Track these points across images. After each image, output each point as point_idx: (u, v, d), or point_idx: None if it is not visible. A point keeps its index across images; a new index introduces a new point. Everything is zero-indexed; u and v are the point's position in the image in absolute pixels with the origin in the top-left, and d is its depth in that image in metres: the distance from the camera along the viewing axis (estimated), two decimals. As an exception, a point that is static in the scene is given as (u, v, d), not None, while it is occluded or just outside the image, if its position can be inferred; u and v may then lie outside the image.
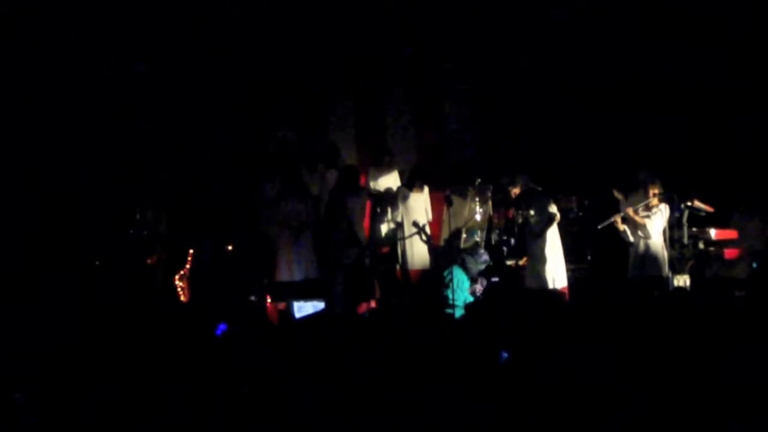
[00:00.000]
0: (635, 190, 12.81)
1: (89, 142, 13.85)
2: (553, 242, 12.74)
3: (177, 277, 13.10)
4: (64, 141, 13.39)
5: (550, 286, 12.46)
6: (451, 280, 11.98)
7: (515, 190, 13.26)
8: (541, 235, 12.65)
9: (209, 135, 14.94)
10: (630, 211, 12.48)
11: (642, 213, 12.41)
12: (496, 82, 15.30)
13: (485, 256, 12.22)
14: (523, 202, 13.11)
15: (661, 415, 5.10)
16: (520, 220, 13.13)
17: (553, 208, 12.76)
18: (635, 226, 12.48)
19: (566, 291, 12.46)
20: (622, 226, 12.55)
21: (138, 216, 13.61)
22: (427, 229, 13.75)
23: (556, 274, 12.68)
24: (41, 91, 13.31)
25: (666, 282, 12.35)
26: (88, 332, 8.39)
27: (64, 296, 11.73)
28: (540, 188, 13.04)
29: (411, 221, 13.69)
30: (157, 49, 14.14)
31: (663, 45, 14.41)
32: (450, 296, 11.77)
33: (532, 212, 12.75)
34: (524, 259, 13.37)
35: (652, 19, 14.47)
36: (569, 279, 12.87)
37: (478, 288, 11.96)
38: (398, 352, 6.20)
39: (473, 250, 12.39)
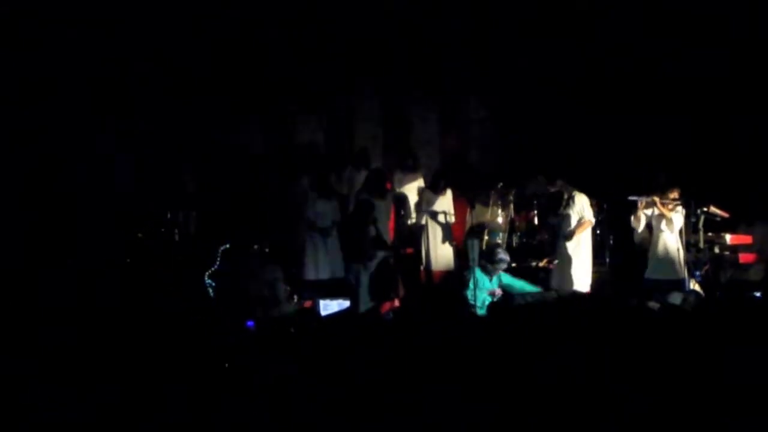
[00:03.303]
0: (654, 193, 12.89)
1: (120, 143, 13.98)
2: (585, 246, 12.86)
3: (207, 275, 13.29)
4: (95, 141, 13.47)
5: (575, 287, 12.59)
6: (470, 280, 12.09)
7: (552, 190, 13.25)
8: (573, 238, 12.80)
9: (238, 136, 15.12)
10: (657, 199, 12.56)
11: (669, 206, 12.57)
12: (517, 87, 15.37)
13: (503, 256, 12.29)
14: (561, 203, 13.12)
15: (670, 415, 5.20)
16: (555, 221, 13.18)
17: (590, 213, 12.87)
18: (653, 219, 12.67)
19: (587, 296, 12.55)
20: (640, 213, 12.70)
21: (169, 216, 13.82)
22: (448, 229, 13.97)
23: (582, 277, 12.77)
24: (64, 89, 13.32)
25: (683, 285, 12.48)
26: (118, 330, 8.57)
27: (92, 294, 11.96)
28: (579, 190, 13.05)
29: (434, 223, 13.91)
30: (186, 48, 14.20)
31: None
32: (469, 297, 11.90)
33: (569, 213, 12.88)
34: (545, 260, 13.54)
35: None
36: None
37: (498, 292, 12.06)
38: (419, 351, 6.31)
39: (491, 250, 12.46)
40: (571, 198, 12.86)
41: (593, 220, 12.93)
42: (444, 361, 6.06)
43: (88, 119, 13.27)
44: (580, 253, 12.83)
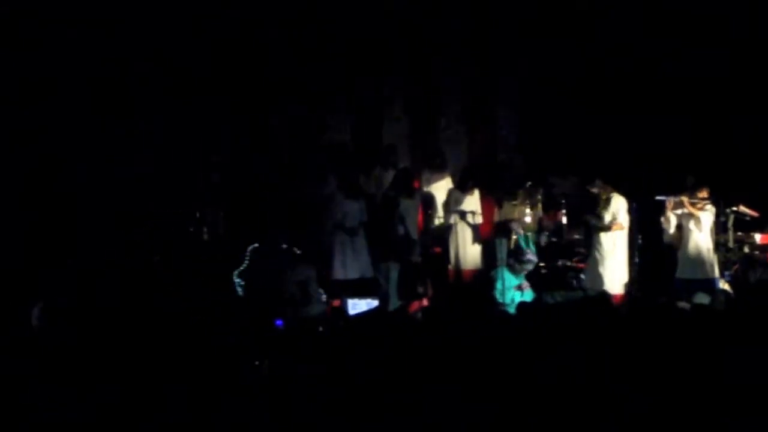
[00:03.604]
0: (682, 193, 12.85)
1: (151, 143, 14.05)
2: (619, 247, 12.86)
3: (236, 274, 13.34)
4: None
5: (606, 288, 12.53)
6: (498, 280, 12.08)
7: (593, 190, 13.17)
8: (606, 238, 12.79)
9: (265, 135, 15.18)
10: (685, 199, 12.57)
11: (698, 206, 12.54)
12: (544, 85, 15.37)
13: (529, 255, 12.29)
14: (594, 203, 13.16)
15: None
16: (592, 222, 13.13)
17: (624, 217, 12.84)
18: (682, 219, 12.63)
19: (619, 298, 12.55)
20: (669, 213, 12.68)
21: (198, 215, 13.91)
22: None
23: (614, 278, 12.77)
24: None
25: (713, 284, 12.46)
26: (146, 327, 8.60)
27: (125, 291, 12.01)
28: (617, 192, 13.03)
29: (463, 223, 13.92)
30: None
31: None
32: (496, 296, 11.91)
33: (604, 214, 12.89)
34: (575, 259, 13.55)
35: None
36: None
37: (525, 285, 12.06)
38: (447, 350, 6.31)
39: (517, 249, 12.46)
40: (608, 200, 12.85)
41: (626, 225, 12.89)
42: (472, 360, 6.05)
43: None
44: (614, 254, 12.83)
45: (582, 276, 13.26)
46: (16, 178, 12.63)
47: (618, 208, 12.82)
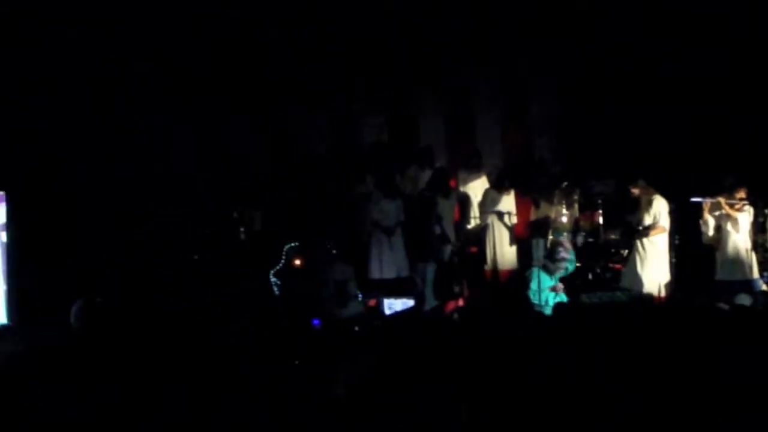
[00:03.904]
0: (721, 194, 12.78)
1: (195, 143, 14.26)
2: (660, 248, 12.80)
3: (272, 273, 13.41)
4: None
5: (646, 289, 12.57)
6: (532, 280, 12.07)
7: (634, 190, 13.10)
8: (647, 240, 12.75)
9: (303, 135, 15.21)
10: (723, 200, 12.49)
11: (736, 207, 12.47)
12: (582, 84, 15.34)
13: (564, 255, 12.25)
14: (639, 204, 13.06)
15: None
16: (633, 223, 13.07)
17: (666, 219, 12.77)
18: (720, 220, 12.55)
19: (659, 300, 12.50)
20: (707, 215, 12.61)
21: (235, 214, 13.99)
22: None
23: (654, 280, 12.71)
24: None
25: (753, 286, 12.39)
26: (184, 325, 8.60)
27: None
28: (658, 193, 12.96)
29: (499, 222, 13.90)
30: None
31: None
32: (531, 296, 11.89)
33: (645, 216, 12.83)
34: (613, 260, 13.51)
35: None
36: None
37: (560, 287, 12.04)
38: (484, 350, 6.31)
39: (553, 249, 12.43)
40: (649, 201, 12.79)
41: (667, 228, 12.82)
42: (507, 360, 6.04)
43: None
44: (655, 256, 12.77)
45: (621, 277, 13.21)
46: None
47: (660, 210, 12.76)
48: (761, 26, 13.91)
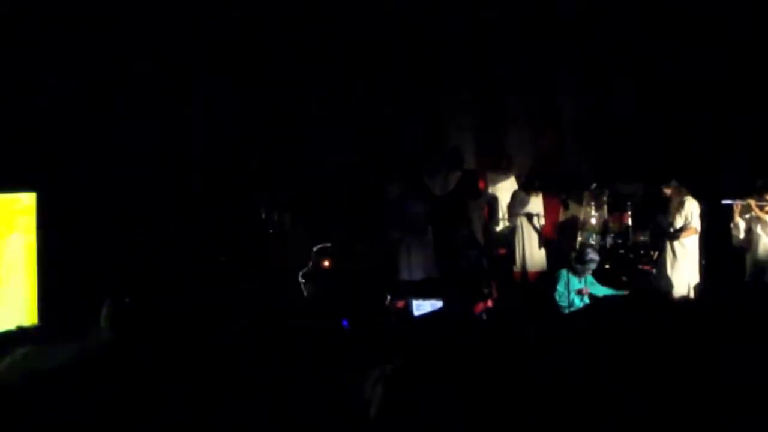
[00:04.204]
0: (751, 195, 12.75)
1: (229, 144, 14.29)
2: (690, 251, 12.79)
3: (301, 274, 13.45)
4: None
5: (675, 291, 12.51)
6: (560, 282, 12.08)
7: (667, 190, 13.12)
8: (678, 241, 12.75)
9: (334, 136, 15.25)
10: (753, 202, 12.46)
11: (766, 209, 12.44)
12: (609, 86, 15.31)
13: (593, 256, 12.24)
14: (670, 205, 13.08)
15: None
16: (664, 225, 13.05)
17: (697, 221, 12.76)
18: (750, 223, 12.51)
19: (688, 302, 12.40)
20: (737, 218, 12.58)
21: (264, 215, 14.08)
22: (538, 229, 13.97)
23: (685, 282, 12.70)
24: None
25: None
26: (210, 327, 8.63)
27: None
28: (690, 195, 12.96)
29: (528, 224, 13.91)
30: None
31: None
32: (558, 299, 11.89)
33: (676, 217, 12.83)
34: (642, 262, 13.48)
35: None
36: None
37: (585, 290, 12.03)
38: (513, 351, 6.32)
39: (582, 250, 12.43)
40: (681, 203, 12.77)
41: (699, 229, 12.80)
42: (533, 361, 6.03)
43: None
44: (686, 258, 12.76)
45: (650, 279, 13.19)
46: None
47: (691, 211, 12.74)
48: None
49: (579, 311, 11.06)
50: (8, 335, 5.24)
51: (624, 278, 13.31)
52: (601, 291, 12.15)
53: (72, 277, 11.84)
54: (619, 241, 13.89)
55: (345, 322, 9.83)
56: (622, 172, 14.39)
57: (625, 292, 12.24)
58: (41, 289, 11.62)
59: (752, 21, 13.88)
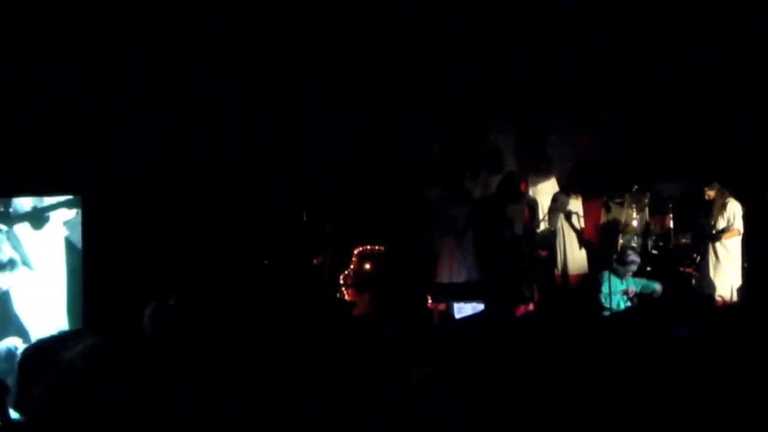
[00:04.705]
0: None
1: (271, 147, 14.30)
2: (732, 252, 12.75)
3: (342, 277, 13.51)
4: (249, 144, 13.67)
5: (717, 293, 12.51)
6: (602, 283, 12.06)
7: (710, 192, 13.08)
8: (720, 243, 12.70)
9: (375, 139, 15.27)
10: None
11: None
12: (649, 87, 15.23)
13: (634, 257, 12.21)
14: (712, 207, 13.03)
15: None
16: (706, 226, 13.01)
17: (740, 222, 12.72)
18: None
19: (730, 305, 12.39)
20: None
21: (304, 218, 14.11)
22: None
23: (727, 284, 12.65)
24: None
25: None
26: (254, 328, 8.66)
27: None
28: (733, 196, 12.92)
29: (569, 226, 13.89)
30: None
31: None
32: (602, 300, 11.87)
33: (719, 219, 12.77)
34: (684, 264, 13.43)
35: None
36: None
37: (631, 290, 12.00)
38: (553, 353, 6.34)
39: (622, 252, 12.41)
40: (724, 204, 12.71)
41: (741, 231, 12.74)
42: (578, 364, 6.07)
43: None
44: (728, 260, 12.70)
45: (693, 281, 13.15)
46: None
47: (734, 213, 12.68)
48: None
49: (624, 312, 11.13)
50: (58, 338, 5.28)
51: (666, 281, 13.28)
52: (640, 283, 12.14)
53: (116, 279, 11.93)
54: (661, 244, 13.83)
55: (389, 330, 9.88)
56: (664, 173, 14.31)
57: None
58: (87, 291, 11.68)
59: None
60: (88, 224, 11.75)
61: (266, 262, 13.58)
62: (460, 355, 6.57)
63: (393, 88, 15.00)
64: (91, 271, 11.78)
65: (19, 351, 11.14)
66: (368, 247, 13.55)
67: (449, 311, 12.40)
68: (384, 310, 12.34)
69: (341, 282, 13.42)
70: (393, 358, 6.82)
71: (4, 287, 11.41)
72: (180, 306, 10.20)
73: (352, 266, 13.52)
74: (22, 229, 11.52)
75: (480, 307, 12.39)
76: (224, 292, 12.09)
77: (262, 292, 12.48)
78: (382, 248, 13.60)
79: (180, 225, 12.95)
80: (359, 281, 13.39)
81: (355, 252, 13.58)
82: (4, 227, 11.42)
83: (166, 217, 12.87)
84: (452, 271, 13.33)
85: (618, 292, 11.94)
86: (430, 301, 13.05)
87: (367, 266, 13.46)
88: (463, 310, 12.27)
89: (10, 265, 11.47)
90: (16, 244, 11.48)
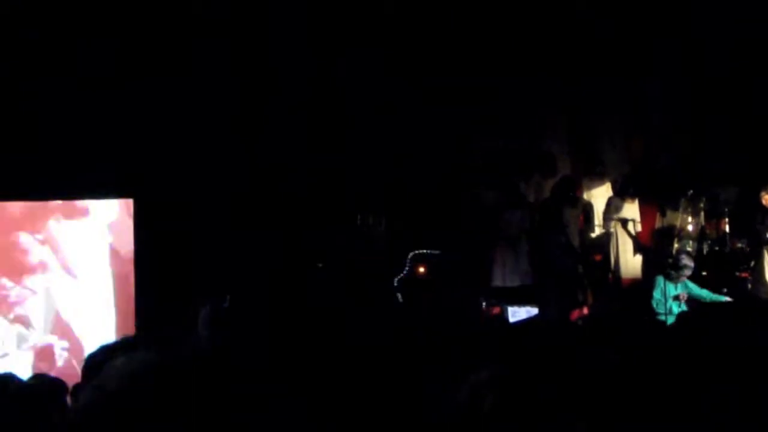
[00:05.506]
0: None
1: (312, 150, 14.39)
2: None
3: (396, 281, 13.56)
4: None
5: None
6: (655, 288, 12.03)
7: (767, 197, 12.98)
8: None
9: (430, 142, 15.27)
10: None
11: None
12: (703, 91, 15.14)
13: (687, 262, 12.17)
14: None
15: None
16: (762, 230, 12.88)
17: None
18: None
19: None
20: None
21: (358, 220, 14.17)
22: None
23: None
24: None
25: None
26: (302, 332, 8.74)
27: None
28: None
29: (623, 230, 13.86)
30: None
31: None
32: (655, 306, 11.84)
33: None
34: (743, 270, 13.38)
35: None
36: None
37: (683, 296, 11.96)
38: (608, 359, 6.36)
39: (676, 257, 12.38)
40: None
41: None
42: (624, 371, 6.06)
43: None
44: None
45: (748, 285, 13.08)
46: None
47: None
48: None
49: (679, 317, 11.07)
50: (112, 346, 5.34)
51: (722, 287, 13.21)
52: (699, 292, 12.09)
53: (168, 282, 12.04)
54: (717, 248, 13.76)
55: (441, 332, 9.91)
56: (720, 177, 14.22)
57: (726, 298, 12.20)
58: (138, 295, 11.88)
59: None
60: (139, 227, 11.91)
61: (320, 265, 13.60)
62: (519, 357, 6.58)
63: (448, 93, 15.01)
64: (143, 274, 11.96)
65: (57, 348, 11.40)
66: (422, 250, 13.57)
67: (503, 315, 12.44)
68: (438, 314, 12.37)
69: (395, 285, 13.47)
70: (447, 360, 6.85)
71: (41, 289, 11.63)
72: (235, 308, 10.25)
73: (405, 270, 13.56)
74: (65, 231, 11.69)
75: (534, 311, 12.42)
76: (278, 294, 12.22)
77: (317, 294, 12.56)
78: (436, 252, 13.63)
79: (233, 228, 12.99)
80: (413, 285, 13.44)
81: (409, 256, 13.60)
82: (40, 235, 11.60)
83: (220, 220, 12.92)
84: (506, 275, 13.37)
85: (671, 297, 11.91)
86: (483, 305, 13.08)
87: (421, 270, 13.50)
88: (518, 313, 12.30)
89: (41, 267, 11.69)
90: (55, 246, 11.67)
